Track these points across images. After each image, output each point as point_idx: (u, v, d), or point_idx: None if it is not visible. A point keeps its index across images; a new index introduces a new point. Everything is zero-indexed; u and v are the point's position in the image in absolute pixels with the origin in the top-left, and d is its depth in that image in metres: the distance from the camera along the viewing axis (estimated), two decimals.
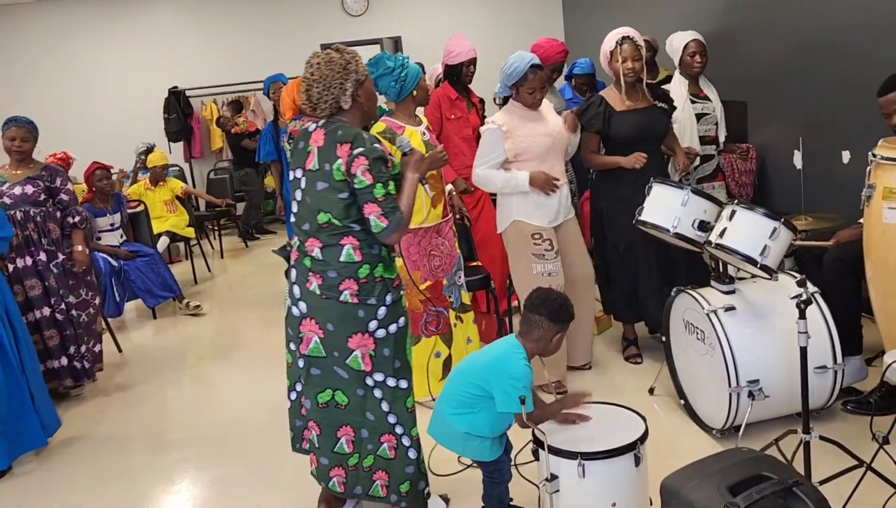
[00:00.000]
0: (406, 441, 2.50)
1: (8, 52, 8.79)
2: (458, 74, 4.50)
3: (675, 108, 3.88)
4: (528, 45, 5.47)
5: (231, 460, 3.37)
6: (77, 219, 4.17)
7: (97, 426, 3.89)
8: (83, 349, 4.15)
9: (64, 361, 4.10)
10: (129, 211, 5.89)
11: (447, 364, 3.64)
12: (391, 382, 2.48)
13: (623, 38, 3.58)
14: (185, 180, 8.53)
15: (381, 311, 2.43)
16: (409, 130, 3.48)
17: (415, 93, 3.49)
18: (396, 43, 9.07)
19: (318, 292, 2.40)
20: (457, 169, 4.37)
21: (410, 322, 3.65)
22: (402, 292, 2.52)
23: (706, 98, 4.40)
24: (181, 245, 7.27)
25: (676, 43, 4.40)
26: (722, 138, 4.46)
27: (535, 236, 3.54)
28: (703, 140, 4.33)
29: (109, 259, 5.35)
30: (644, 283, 3.71)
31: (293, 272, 2.51)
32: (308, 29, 9.02)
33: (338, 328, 2.41)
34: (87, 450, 3.60)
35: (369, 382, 2.46)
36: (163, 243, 6.36)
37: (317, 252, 2.41)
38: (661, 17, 6.26)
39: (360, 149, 2.30)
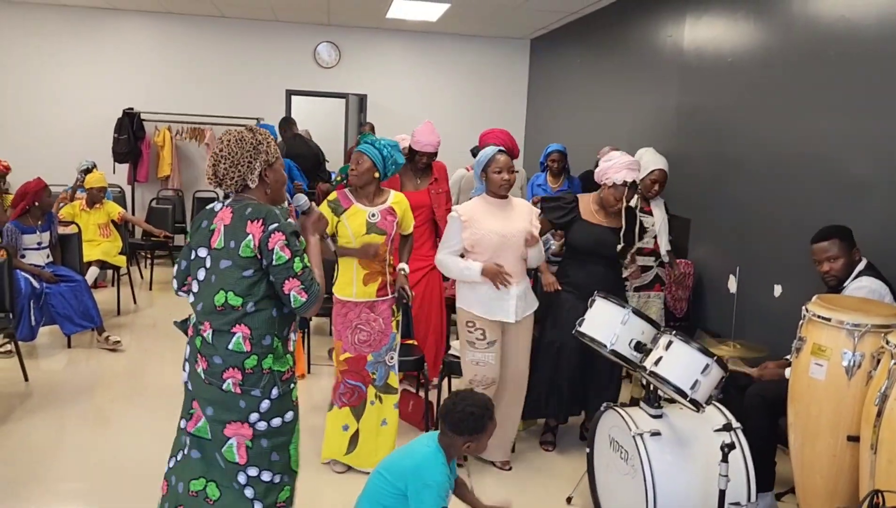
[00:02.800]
0: None
1: None
2: (413, 158, 4.56)
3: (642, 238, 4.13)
4: (490, 124, 5.66)
5: None
6: None
7: None
8: None
9: None
10: (61, 232, 5.66)
11: (354, 439, 3.63)
12: (266, 476, 2.38)
13: (631, 183, 3.72)
14: (124, 204, 8.29)
15: (265, 404, 2.34)
16: (356, 207, 3.55)
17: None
18: (362, 100, 9.15)
19: (202, 375, 2.36)
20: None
21: (332, 388, 3.64)
22: (292, 386, 2.42)
23: (649, 213, 4.59)
24: (109, 272, 6.99)
25: (645, 162, 4.56)
26: (663, 251, 4.61)
27: (469, 324, 3.64)
28: (641, 251, 4.47)
29: (31, 280, 5.10)
30: (566, 382, 3.85)
31: (186, 349, 2.46)
32: (277, 72, 9.04)
33: (217, 413, 2.34)
34: None
35: (241, 479, 2.36)
36: (92, 273, 6.11)
37: (207, 334, 2.35)
38: (618, 125, 6.52)
39: (275, 224, 2.27)
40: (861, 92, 3.68)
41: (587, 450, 3.35)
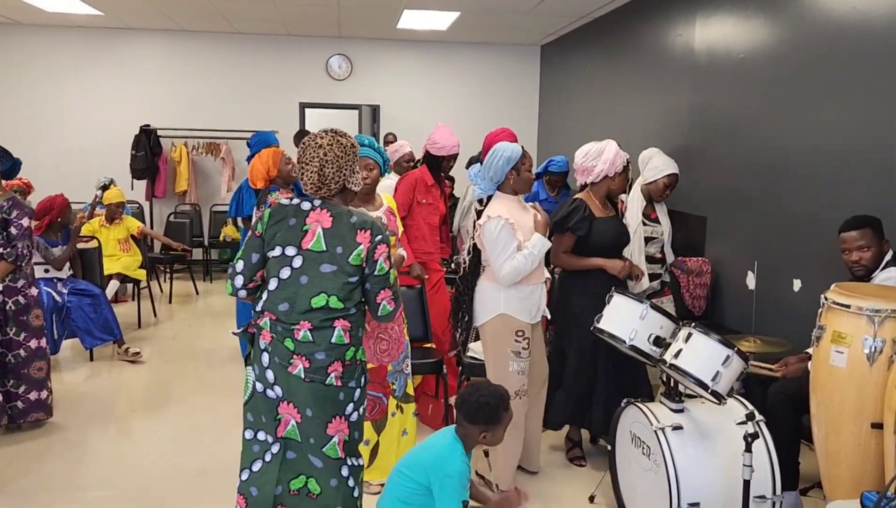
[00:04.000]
0: None
1: None
2: (438, 165, 4.57)
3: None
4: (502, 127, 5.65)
5: None
6: (6, 251, 3.93)
7: (8, 470, 3.68)
8: (9, 386, 3.98)
9: None
10: (81, 246, 5.73)
11: (373, 453, 3.56)
12: (358, 462, 2.55)
13: (626, 166, 3.74)
14: (143, 219, 8.40)
15: (357, 393, 2.48)
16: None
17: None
18: (374, 111, 9.21)
19: (301, 375, 2.38)
20: (416, 253, 4.40)
21: None
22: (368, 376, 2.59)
23: (656, 220, 4.59)
24: (129, 286, 7.08)
25: (658, 164, 4.55)
26: (669, 260, 4.64)
27: (519, 332, 3.44)
28: (650, 259, 4.50)
29: (53, 294, 5.17)
30: (600, 390, 3.72)
31: (264, 356, 2.42)
32: (290, 86, 9.12)
33: (317, 413, 2.39)
34: None
35: (344, 472, 2.48)
36: (112, 287, 6.18)
37: (304, 334, 2.37)
38: (630, 127, 6.51)
39: (380, 236, 2.39)
40: (875, 84, 3.66)
41: (608, 447, 3.34)
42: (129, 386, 5.11)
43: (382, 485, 2.62)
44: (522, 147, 3.52)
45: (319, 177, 2.38)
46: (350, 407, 2.46)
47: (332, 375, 2.38)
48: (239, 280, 2.47)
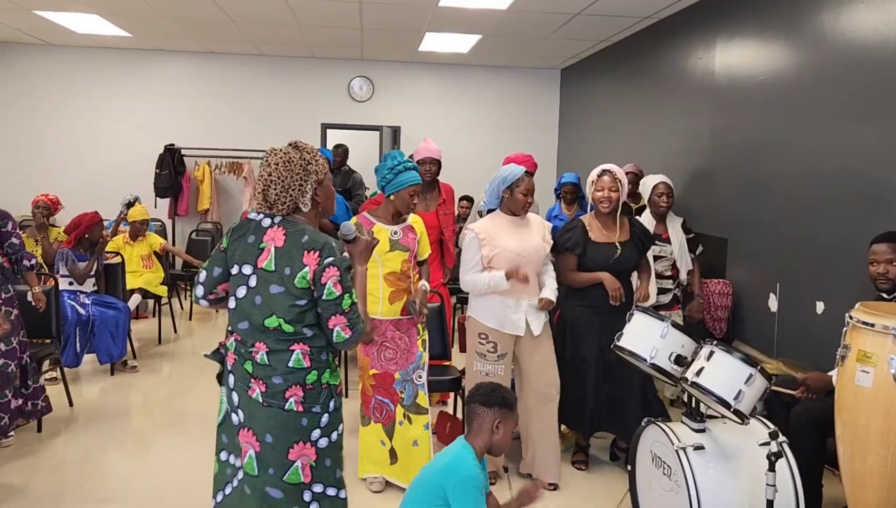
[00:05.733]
0: None
1: (12, 88, 8.88)
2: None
3: (649, 246, 4.06)
4: (522, 150, 5.68)
5: None
6: (32, 262, 4.14)
7: (27, 481, 3.71)
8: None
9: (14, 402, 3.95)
10: (106, 262, 5.81)
11: (393, 454, 3.64)
12: (331, 492, 2.36)
13: (603, 170, 3.85)
14: (165, 236, 8.49)
15: (325, 419, 2.32)
16: (379, 227, 3.60)
17: (392, 197, 3.57)
18: (395, 132, 9.29)
19: (259, 399, 2.27)
20: None
21: (362, 403, 3.64)
22: (341, 399, 2.42)
23: (666, 240, 4.65)
24: (150, 302, 7.15)
25: (647, 183, 4.75)
26: (683, 275, 4.66)
27: (481, 335, 3.70)
28: (660, 275, 4.58)
29: (77, 307, 5.23)
30: (591, 397, 3.81)
31: (230, 378, 2.35)
32: (312, 107, 9.24)
33: (277, 439, 2.26)
34: (12, 507, 3.42)
35: (307, 497, 2.31)
36: (134, 300, 6.25)
37: (262, 356, 2.27)
38: (651, 151, 6.52)
39: (331, 258, 2.21)
40: None
41: (628, 467, 3.30)
42: (147, 400, 5.14)
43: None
44: (527, 172, 3.69)
45: (265, 197, 2.29)
46: (316, 433, 2.29)
47: (292, 400, 2.25)
48: (199, 290, 2.41)
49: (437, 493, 2.37)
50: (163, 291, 6.64)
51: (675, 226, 4.70)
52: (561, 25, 6.76)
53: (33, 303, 4.21)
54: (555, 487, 3.72)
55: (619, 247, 3.85)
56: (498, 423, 2.45)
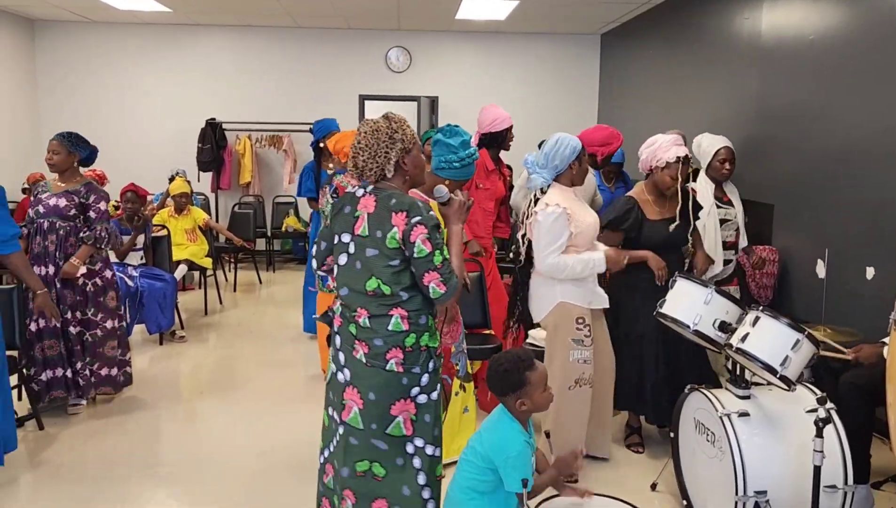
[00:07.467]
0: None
1: (61, 66, 9.06)
2: (503, 140, 4.55)
3: (698, 217, 3.92)
4: (562, 122, 5.59)
5: (218, 501, 3.31)
6: (85, 234, 4.14)
7: (85, 448, 3.86)
8: (78, 365, 4.18)
9: (59, 372, 4.12)
10: (153, 235, 5.95)
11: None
12: (430, 450, 2.49)
13: (685, 157, 3.64)
14: (209, 210, 8.64)
15: (425, 378, 2.45)
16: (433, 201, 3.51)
17: (447, 182, 3.34)
18: (433, 102, 9.25)
19: (363, 360, 2.42)
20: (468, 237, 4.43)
21: None
22: (441, 361, 2.55)
23: (729, 203, 4.48)
24: (196, 274, 7.30)
25: (706, 146, 4.49)
26: (742, 244, 4.51)
27: (580, 320, 3.44)
28: (724, 245, 4.39)
29: (126, 280, 5.37)
30: (649, 376, 3.70)
31: (337, 338, 2.52)
32: (350, 79, 9.24)
33: (380, 397, 2.41)
34: (74, 470, 3.57)
35: (409, 449, 2.46)
36: (180, 271, 6.39)
37: (364, 320, 2.42)
38: (694, 117, 6.37)
39: (418, 218, 2.34)
40: None
41: (671, 434, 3.28)
42: (195, 369, 5.28)
43: (445, 466, 2.64)
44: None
45: (354, 164, 2.45)
46: (416, 390, 2.44)
47: (392, 361, 2.40)
48: (314, 262, 2.63)
49: (486, 465, 2.41)
50: (208, 263, 6.77)
51: (734, 192, 4.54)
52: None
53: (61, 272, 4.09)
54: (607, 459, 3.71)
55: (674, 221, 3.72)
56: (520, 402, 2.42)
